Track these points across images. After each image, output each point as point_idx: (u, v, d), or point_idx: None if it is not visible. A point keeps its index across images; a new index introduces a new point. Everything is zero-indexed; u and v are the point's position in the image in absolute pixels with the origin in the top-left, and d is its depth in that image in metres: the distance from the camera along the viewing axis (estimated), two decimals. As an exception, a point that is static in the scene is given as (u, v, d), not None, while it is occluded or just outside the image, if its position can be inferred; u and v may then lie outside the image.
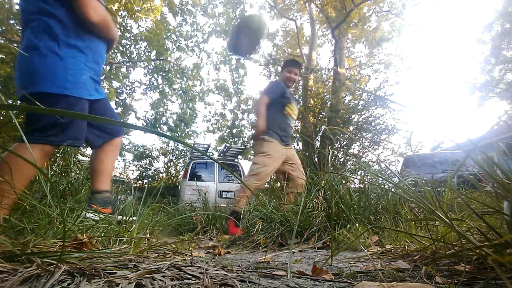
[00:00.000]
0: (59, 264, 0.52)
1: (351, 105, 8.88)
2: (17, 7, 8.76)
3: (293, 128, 3.09)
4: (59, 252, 0.59)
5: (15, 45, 7.05)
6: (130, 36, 11.70)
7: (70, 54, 1.37)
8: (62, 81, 1.32)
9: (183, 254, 1.17)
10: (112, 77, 12.21)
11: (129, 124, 0.43)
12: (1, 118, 6.52)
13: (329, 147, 2.84)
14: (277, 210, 1.76)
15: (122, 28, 11.37)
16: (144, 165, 14.98)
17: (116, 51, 12.24)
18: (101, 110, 1.58)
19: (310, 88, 11.53)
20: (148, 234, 1.31)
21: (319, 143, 9.50)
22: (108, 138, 1.64)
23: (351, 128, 8.86)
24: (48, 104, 1.28)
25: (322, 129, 9.97)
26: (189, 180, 7.68)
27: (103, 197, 1.56)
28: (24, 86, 1.30)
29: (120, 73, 12.78)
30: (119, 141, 1.70)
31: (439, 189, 1.60)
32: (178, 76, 13.13)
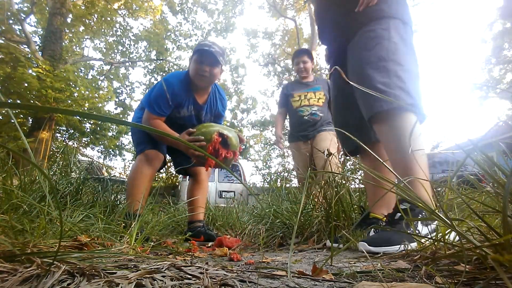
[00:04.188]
0: (59, 264, 0.52)
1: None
2: (16, 7, 8.76)
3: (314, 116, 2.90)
4: (59, 252, 0.59)
5: (15, 45, 7.04)
6: (130, 36, 11.71)
7: None
8: None
9: (183, 254, 1.17)
10: (112, 77, 12.21)
11: (129, 123, 0.44)
12: (1, 118, 6.52)
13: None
14: (277, 210, 1.76)
15: (122, 28, 11.37)
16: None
17: (116, 51, 12.27)
18: None
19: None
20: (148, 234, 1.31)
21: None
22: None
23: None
24: None
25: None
26: (188, 180, 7.66)
27: (195, 227, 1.95)
28: None
29: (120, 73, 12.79)
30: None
31: (439, 189, 1.60)
32: (178, 76, 13.09)
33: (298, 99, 2.94)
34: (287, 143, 3.05)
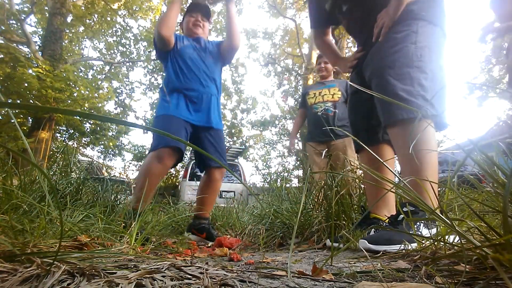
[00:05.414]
0: (59, 264, 0.52)
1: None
2: (16, 7, 8.75)
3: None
4: (59, 252, 0.59)
5: (15, 44, 7.04)
6: (130, 36, 11.70)
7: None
8: None
9: (183, 253, 1.17)
10: (111, 77, 12.21)
11: (129, 123, 0.44)
12: (1, 118, 6.51)
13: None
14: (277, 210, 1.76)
15: (122, 28, 11.37)
16: (144, 165, 14.92)
17: (116, 51, 12.27)
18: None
19: (310, 87, 11.49)
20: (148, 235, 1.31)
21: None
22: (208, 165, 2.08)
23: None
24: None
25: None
26: (189, 180, 7.66)
27: (200, 223, 2.04)
28: None
29: (119, 73, 12.79)
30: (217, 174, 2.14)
31: (439, 189, 1.60)
32: (178, 76, 13.08)
33: (313, 96, 3.08)
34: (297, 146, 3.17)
